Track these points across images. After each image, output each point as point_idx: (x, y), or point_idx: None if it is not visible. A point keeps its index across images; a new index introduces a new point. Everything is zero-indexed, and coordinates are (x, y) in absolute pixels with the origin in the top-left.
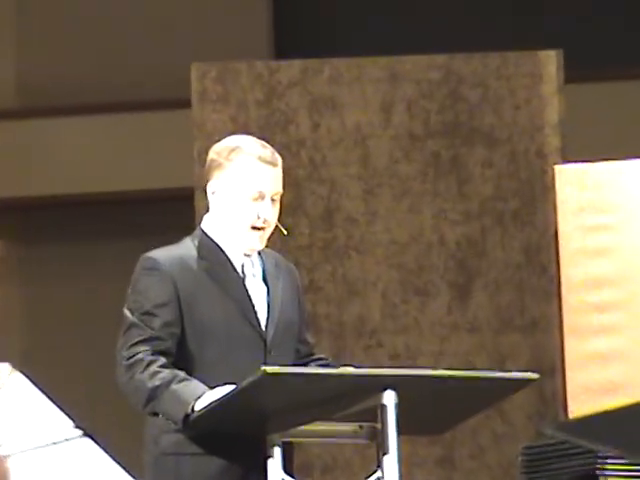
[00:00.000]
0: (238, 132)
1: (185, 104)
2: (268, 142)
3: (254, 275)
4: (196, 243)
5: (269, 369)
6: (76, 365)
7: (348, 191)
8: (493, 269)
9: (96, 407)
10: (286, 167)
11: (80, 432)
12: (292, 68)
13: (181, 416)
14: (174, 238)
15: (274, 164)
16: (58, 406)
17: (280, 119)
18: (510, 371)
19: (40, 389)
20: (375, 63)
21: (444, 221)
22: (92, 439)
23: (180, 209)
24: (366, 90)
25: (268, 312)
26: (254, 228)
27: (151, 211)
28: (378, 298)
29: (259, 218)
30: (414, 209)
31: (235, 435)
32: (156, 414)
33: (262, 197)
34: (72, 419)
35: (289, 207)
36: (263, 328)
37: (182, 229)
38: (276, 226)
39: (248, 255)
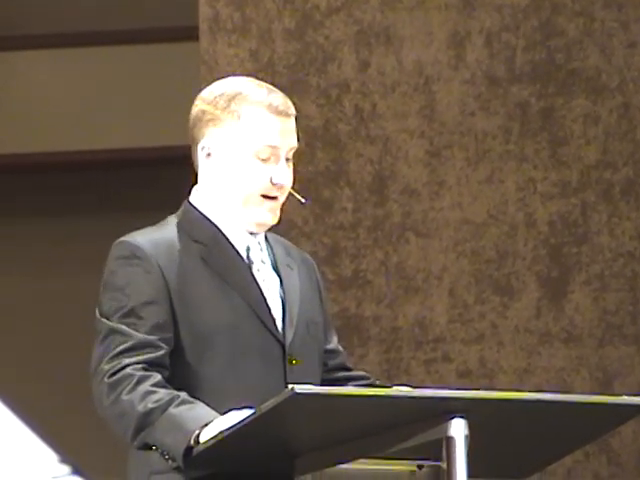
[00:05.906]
0: (260, 72)
1: (190, 35)
2: (300, 86)
3: (263, 261)
4: (185, 222)
5: (300, 388)
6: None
7: (406, 153)
8: (597, 259)
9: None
10: (323, 120)
11: (68, 469)
12: None
13: (182, 449)
14: (165, 215)
15: (288, 114)
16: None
17: (317, 56)
18: (619, 394)
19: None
20: None
21: (533, 195)
22: (81, 476)
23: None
24: (431, 18)
25: (283, 309)
26: (265, 197)
27: (137, 179)
28: (444, 296)
29: (273, 184)
30: (493, 178)
31: (253, 477)
32: (149, 447)
33: (275, 156)
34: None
35: (327, 174)
36: (279, 330)
37: (177, 203)
38: (289, 193)
39: (253, 234)
